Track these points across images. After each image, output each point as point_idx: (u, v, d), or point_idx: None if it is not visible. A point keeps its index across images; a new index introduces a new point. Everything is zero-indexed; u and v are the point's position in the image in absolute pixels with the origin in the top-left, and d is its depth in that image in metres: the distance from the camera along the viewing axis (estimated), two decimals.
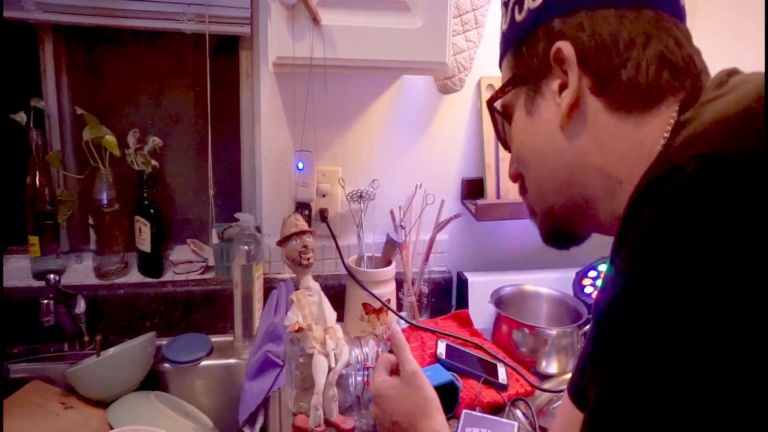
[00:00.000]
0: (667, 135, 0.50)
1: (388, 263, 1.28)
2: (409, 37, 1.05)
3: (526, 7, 0.59)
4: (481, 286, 1.35)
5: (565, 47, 0.54)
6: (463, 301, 1.40)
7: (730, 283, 0.35)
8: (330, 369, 1.02)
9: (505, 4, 0.63)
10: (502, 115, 0.64)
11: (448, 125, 1.37)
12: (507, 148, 0.66)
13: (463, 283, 1.40)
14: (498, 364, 1.18)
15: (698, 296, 0.35)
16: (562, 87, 0.55)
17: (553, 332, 1.21)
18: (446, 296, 1.43)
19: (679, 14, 0.56)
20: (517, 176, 0.65)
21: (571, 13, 0.55)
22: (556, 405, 1.14)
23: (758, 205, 0.35)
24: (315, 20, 1.03)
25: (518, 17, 0.60)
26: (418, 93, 1.34)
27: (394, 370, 0.85)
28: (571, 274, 1.39)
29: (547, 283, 1.35)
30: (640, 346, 0.38)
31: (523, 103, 0.60)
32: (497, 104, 0.64)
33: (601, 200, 0.55)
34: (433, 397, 0.79)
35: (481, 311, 1.31)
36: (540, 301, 1.34)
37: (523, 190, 0.65)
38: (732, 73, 0.52)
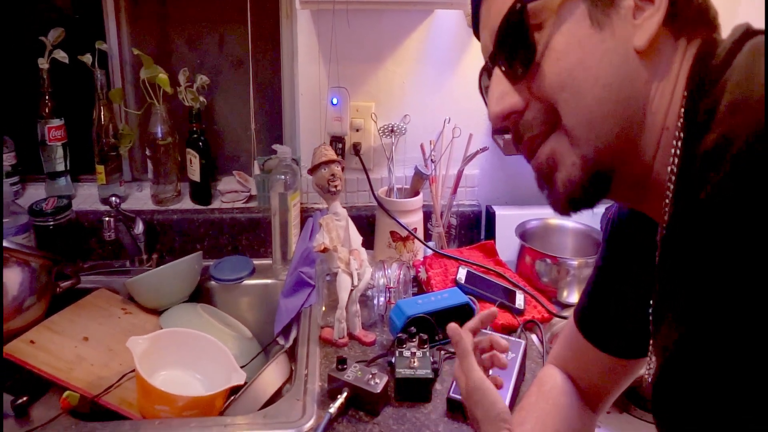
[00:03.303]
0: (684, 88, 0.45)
1: (416, 195, 1.34)
2: None
3: None
4: (509, 220, 1.38)
5: None
6: (491, 234, 1.44)
7: None
8: (353, 287, 1.11)
9: None
10: (528, 25, 0.48)
11: (480, 61, 1.37)
12: (517, 78, 0.50)
13: (491, 216, 1.44)
14: (517, 292, 1.22)
15: None
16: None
17: (575, 263, 1.23)
18: (475, 229, 1.48)
19: None
20: (545, 121, 0.50)
21: None
22: None
23: None
24: None
25: None
26: (450, 29, 1.36)
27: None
28: (600, 209, 1.39)
29: (576, 217, 1.36)
30: None
31: (587, 12, 0.46)
32: (532, 6, 0.48)
33: (643, 145, 0.48)
34: (486, 412, 0.69)
35: (508, 244, 1.35)
36: (565, 235, 1.36)
37: (531, 147, 0.52)
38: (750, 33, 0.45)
